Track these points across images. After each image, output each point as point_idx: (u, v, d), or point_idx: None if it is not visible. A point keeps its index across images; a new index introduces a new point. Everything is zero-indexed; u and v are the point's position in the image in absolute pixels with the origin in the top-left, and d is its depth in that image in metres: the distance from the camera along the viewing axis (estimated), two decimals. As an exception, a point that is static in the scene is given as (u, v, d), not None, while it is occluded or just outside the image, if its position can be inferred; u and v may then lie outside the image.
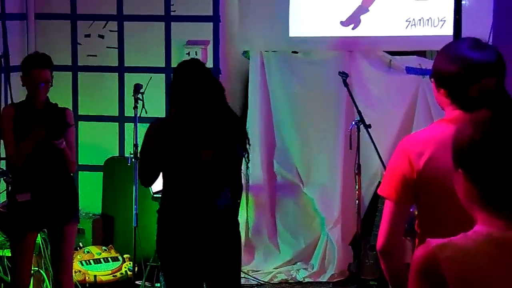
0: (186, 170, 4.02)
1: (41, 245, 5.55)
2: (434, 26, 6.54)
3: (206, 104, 4.03)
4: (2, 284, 5.54)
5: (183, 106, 4.04)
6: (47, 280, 5.67)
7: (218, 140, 4.03)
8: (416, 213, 2.84)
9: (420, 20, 6.55)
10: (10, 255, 5.19)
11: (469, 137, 1.98)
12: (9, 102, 5.57)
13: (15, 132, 4.78)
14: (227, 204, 4.10)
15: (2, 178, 5.31)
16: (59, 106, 4.95)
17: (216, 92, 4.11)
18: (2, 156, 5.45)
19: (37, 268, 5.75)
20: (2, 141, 5.00)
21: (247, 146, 4.19)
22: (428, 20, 6.55)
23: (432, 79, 2.83)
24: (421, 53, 6.79)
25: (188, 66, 4.16)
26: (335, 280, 6.54)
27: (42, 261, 5.69)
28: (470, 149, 1.97)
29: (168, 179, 4.12)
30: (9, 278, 5.30)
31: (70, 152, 4.86)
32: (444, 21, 6.47)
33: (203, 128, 4.02)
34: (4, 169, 5.26)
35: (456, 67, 2.72)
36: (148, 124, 6.44)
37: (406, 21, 6.57)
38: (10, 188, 5.05)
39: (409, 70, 6.63)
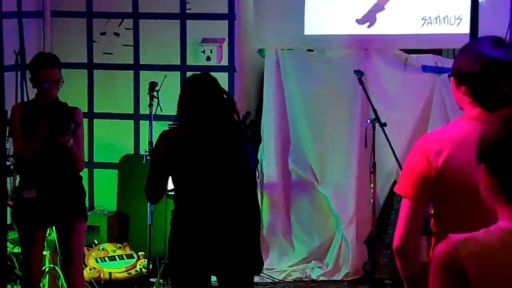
0: (194, 187, 4.00)
1: (56, 241, 5.57)
2: (451, 24, 6.51)
3: (212, 123, 3.97)
4: (18, 280, 5.57)
5: (190, 124, 3.99)
6: (62, 277, 5.69)
7: (224, 161, 4.00)
8: (432, 211, 2.83)
9: (436, 18, 6.53)
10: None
11: (494, 132, 1.98)
12: (25, 99, 5.60)
13: (23, 130, 4.81)
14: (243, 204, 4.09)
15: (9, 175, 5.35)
16: (74, 105, 4.97)
17: (224, 108, 4.03)
18: (11, 153, 5.47)
19: (52, 265, 5.78)
20: (11, 138, 5.03)
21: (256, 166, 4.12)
22: (444, 18, 6.52)
23: (452, 78, 2.82)
24: (437, 52, 6.76)
25: (196, 81, 4.08)
26: (349, 278, 6.52)
27: (58, 258, 5.71)
28: (494, 144, 1.98)
29: (178, 191, 4.11)
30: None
31: (78, 151, 4.87)
32: (461, 19, 6.44)
33: (209, 148, 3.98)
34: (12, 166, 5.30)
35: (479, 66, 2.73)
36: (163, 122, 6.50)
37: (422, 19, 6.54)
38: (17, 184, 5.08)
39: (425, 69, 6.60)
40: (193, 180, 4.00)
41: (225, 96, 4.07)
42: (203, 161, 3.97)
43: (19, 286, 5.35)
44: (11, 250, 5.68)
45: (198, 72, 4.17)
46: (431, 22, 6.54)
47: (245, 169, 4.02)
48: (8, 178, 5.52)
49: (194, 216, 4.03)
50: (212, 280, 4.16)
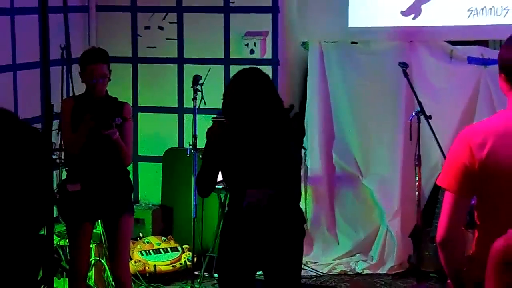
0: (243, 177, 4.02)
1: (101, 235, 5.62)
2: (497, 15, 6.42)
3: (257, 118, 3.97)
4: (64, 273, 5.63)
5: (235, 119, 4.00)
6: (108, 270, 5.74)
7: (271, 152, 4.00)
8: (476, 204, 2.79)
9: (482, 9, 6.44)
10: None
11: None
12: (71, 93, 5.65)
13: (73, 124, 4.85)
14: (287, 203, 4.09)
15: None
16: (119, 99, 5.01)
17: (271, 104, 4.02)
18: (57, 147, 5.53)
19: (98, 258, 5.83)
20: (59, 132, 5.09)
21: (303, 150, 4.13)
22: (491, 9, 6.42)
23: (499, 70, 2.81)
24: (484, 43, 6.66)
25: (244, 76, 4.07)
26: (394, 272, 6.48)
27: (103, 251, 5.76)
28: None
29: (230, 186, 4.13)
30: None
31: (126, 145, 4.90)
32: (508, 10, 6.34)
33: (255, 142, 3.99)
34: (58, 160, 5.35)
35: None
36: (207, 116, 6.51)
37: (468, 10, 6.45)
38: (63, 177, 5.13)
39: (471, 60, 6.52)
40: (241, 174, 4.01)
41: (271, 92, 4.05)
42: (250, 155, 3.98)
43: (66, 279, 5.40)
44: (58, 243, 5.75)
45: (248, 67, 4.17)
46: (477, 13, 6.45)
47: (290, 160, 4.02)
48: (54, 172, 5.57)
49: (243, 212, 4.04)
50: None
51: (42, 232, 3.20)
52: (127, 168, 5.04)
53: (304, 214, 4.25)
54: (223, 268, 4.16)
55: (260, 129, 3.98)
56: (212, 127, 4.16)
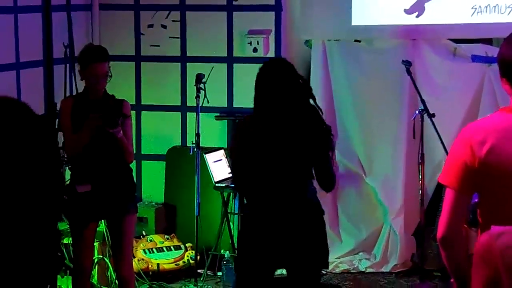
0: (268, 169, 4.04)
1: (105, 233, 5.62)
2: (501, 13, 6.40)
3: (287, 107, 3.99)
4: (68, 271, 5.64)
5: (264, 109, 4.02)
6: (111, 268, 5.75)
7: (298, 142, 4.01)
8: (478, 202, 2.79)
9: (486, 7, 6.43)
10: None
11: None
12: (74, 92, 5.65)
13: (73, 123, 4.84)
14: (310, 197, 4.12)
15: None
16: (121, 98, 5.00)
17: (299, 92, 4.05)
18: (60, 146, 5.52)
19: (101, 256, 5.84)
20: (60, 132, 5.08)
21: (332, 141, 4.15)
22: (495, 7, 6.41)
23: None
24: (487, 41, 6.65)
25: (271, 66, 4.12)
26: (397, 270, 6.48)
27: (106, 249, 5.76)
28: None
29: (253, 179, 4.14)
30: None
31: (127, 142, 4.90)
32: None
33: (283, 130, 4.00)
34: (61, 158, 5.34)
35: None
36: (210, 114, 6.51)
37: (472, 8, 6.44)
38: (70, 178, 5.11)
39: (475, 58, 6.50)
40: (267, 170, 4.03)
41: (301, 81, 4.08)
42: (278, 150, 4.00)
43: (70, 277, 5.41)
44: (62, 241, 5.75)
45: (273, 58, 4.20)
46: (481, 11, 6.44)
47: (323, 153, 4.04)
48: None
49: (267, 209, 4.05)
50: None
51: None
52: (130, 166, 5.04)
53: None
54: (244, 267, 4.18)
55: (290, 121, 4.01)
56: (243, 121, 4.19)
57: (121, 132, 4.80)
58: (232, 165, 4.20)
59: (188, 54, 6.91)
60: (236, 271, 4.23)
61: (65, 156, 5.11)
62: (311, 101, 4.14)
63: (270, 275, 4.16)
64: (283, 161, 4.01)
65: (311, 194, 4.17)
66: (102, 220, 5.42)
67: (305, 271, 4.11)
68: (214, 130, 6.79)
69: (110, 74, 4.88)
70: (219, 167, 6.29)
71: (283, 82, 4.02)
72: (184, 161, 6.62)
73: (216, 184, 6.21)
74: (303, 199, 4.09)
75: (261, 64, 4.18)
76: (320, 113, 4.16)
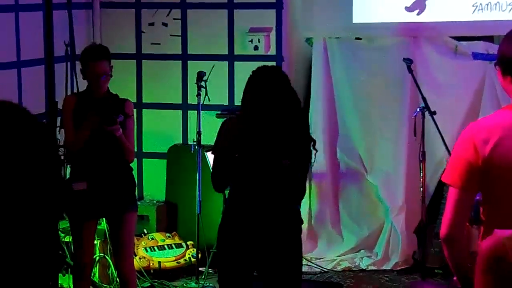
0: (250, 170, 4.02)
1: (106, 231, 5.63)
2: (502, 11, 6.40)
3: (275, 111, 3.98)
4: (69, 269, 5.64)
5: (250, 114, 4.02)
6: (112, 266, 5.75)
7: (281, 145, 4.00)
8: (481, 201, 2.79)
9: (487, 4, 6.42)
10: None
11: None
12: (75, 90, 5.65)
13: (75, 121, 4.85)
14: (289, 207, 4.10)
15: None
16: (120, 96, 5.01)
17: (289, 101, 4.03)
18: (61, 144, 5.52)
19: (102, 254, 5.84)
20: (62, 129, 5.08)
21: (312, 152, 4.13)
22: (496, 4, 6.41)
23: (497, 67, 2.77)
24: (489, 39, 6.64)
25: (262, 73, 4.10)
26: (399, 268, 6.47)
27: (108, 247, 5.76)
28: None
29: (235, 180, 4.13)
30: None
31: (129, 142, 4.90)
32: (512, 5, 6.32)
33: (268, 133, 4.00)
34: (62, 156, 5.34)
35: None
36: (211, 112, 6.51)
37: (473, 5, 6.44)
38: (67, 175, 5.12)
39: (476, 56, 6.50)
40: (250, 169, 4.02)
41: (289, 92, 4.05)
42: (260, 150, 3.98)
43: (71, 275, 5.41)
44: (62, 239, 5.75)
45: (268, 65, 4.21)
46: (482, 9, 6.44)
47: (300, 159, 4.03)
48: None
49: (247, 208, 4.04)
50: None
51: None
52: (130, 164, 5.04)
53: (309, 211, 4.26)
54: (221, 264, 4.17)
55: (275, 125, 3.99)
56: (230, 120, 4.17)
57: (120, 130, 4.81)
58: (214, 161, 4.18)
59: (189, 52, 6.91)
60: (217, 266, 4.24)
61: (65, 154, 5.11)
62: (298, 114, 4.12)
63: (247, 274, 4.14)
64: (265, 162, 4.00)
65: (291, 204, 4.13)
66: (103, 218, 5.42)
67: (278, 275, 4.10)
68: (215, 128, 6.69)
69: (110, 73, 4.89)
70: (220, 165, 6.28)
71: (275, 87, 4.01)
72: (185, 159, 6.62)
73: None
74: (283, 204, 4.06)
75: (256, 68, 4.17)
76: (307, 126, 4.15)
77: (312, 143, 4.08)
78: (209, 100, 6.15)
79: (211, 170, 4.20)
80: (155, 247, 6.37)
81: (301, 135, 4.05)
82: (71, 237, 5.17)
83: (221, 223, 4.17)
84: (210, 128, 6.61)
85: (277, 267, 4.08)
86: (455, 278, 2.82)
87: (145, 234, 6.47)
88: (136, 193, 5.28)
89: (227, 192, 6.18)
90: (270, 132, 3.98)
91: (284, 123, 3.99)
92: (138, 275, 5.86)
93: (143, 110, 7.00)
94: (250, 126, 4.01)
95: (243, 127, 4.03)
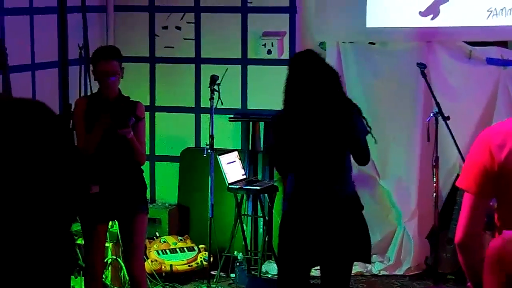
0: (307, 161, 4.12)
1: (118, 233, 5.63)
2: (517, 16, 6.37)
3: (320, 97, 4.09)
4: (81, 272, 5.65)
5: (297, 100, 4.12)
6: (124, 268, 5.75)
7: (333, 132, 4.11)
8: (496, 206, 2.78)
9: (502, 9, 6.40)
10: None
11: None
12: (89, 93, 5.67)
13: (86, 124, 4.86)
14: (350, 192, 4.22)
15: None
16: (136, 99, 5.01)
17: (330, 82, 4.16)
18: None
19: (114, 257, 5.85)
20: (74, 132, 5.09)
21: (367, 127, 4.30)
22: (510, 9, 6.39)
23: None
24: (503, 44, 6.62)
25: (301, 58, 4.24)
26: (411, 273, 6.46)
27: (120, 250, 5.77)
28: None
29: (293, 171, 4.22)
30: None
31: (140, 144, 4.91)
32: (527, 10, 6.30)
33: (319, 120, 4.09)
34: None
35: None
36: (224, 116, 6.51)
37: (488, 10, 6.42)
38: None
39: (490, 61, 6.48)
40: (305, 161, 4.13)
41: (329, 70, 4.20)
42: (313, 141, 4.10)
43: (83, 278, 5.42)
44: (75, 242, 5.76)
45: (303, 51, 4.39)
46: (496, 14, 6.42)
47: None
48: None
49: (306, 204, 4.10)
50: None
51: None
52: (141, 167, 5.05)
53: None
54: (282, 260, 4.27)
55: (322, 112, 4.10)
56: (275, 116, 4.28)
57: (132, 133, 4.82)
58: (274, 161, 4.32)
59: (202, 56, 6.92)
60: (277, 265, 4.31)
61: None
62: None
63: (306, 271, 4.22)
64: (320, 153, 4.08)
65: (351, 188, 4.27)
66: (116, 221, 5.43)
67: (341, 266, 4.18)
68: (228, 132, 6.79)
69: (120, 74, 4.90)
70: (232, 168, 6.29)
71: (315, 75, 4.09)
72: (197, 162, 6.63)
73: (230, 186, 6.21)
74: (342, 195, 4.15)
75: (291, 58, 4.31)
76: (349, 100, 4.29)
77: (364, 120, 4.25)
78: (222, 104, 6.15)
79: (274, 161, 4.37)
80: (167, 250, 6.37)
81: (345, 115, 4.17)
82: (83, 239, 5.18)
83: (285, 219, 4.22)
84: (223, 131, 6.63)
85: (342, 258, 4.17)
86: (469, 284, 2.81)
87: (157, 237, 6.48)
88: (149, 196, 5.29)
89: (239, 196, 6.22)
90: (319, 121, 4.10)
91: (330, 109, 4.12)
92: (150, 278, 5.87)
93: (156, 113, 7.01)
94: (299, 119, 4.10)
95: (291, 122, 4.11)
